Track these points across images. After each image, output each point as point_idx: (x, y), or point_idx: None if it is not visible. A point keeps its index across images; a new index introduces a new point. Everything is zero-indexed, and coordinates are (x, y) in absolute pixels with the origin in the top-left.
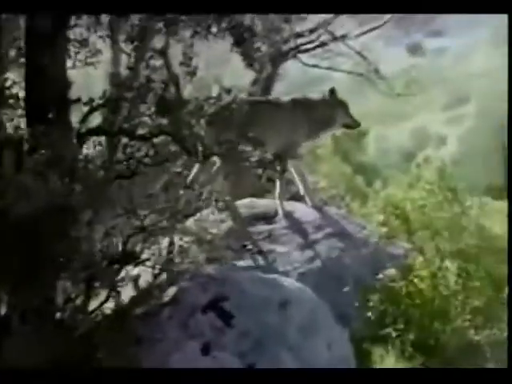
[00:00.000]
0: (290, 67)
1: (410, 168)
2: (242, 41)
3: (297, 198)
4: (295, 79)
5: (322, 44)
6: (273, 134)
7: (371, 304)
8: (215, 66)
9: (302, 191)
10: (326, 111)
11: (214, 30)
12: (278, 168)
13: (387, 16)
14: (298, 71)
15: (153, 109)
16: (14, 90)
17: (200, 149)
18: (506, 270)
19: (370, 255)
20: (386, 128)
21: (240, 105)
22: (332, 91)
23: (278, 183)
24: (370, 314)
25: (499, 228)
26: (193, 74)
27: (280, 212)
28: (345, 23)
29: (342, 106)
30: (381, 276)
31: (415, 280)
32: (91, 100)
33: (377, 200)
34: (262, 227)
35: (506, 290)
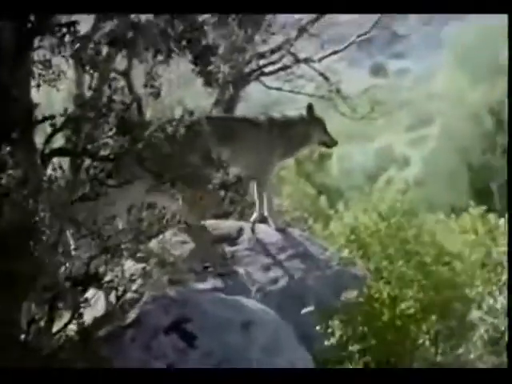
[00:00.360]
0: (253, 89)
1: (372, 189)
2: (201, 59)
3: (260, 219)
4: (257, 101)
5: (285, 67)
6: (249, 153)
7: (334, 325)
8: (178, 87)
9: (266, 212)
10: (302, 129)
11: (175, 49)
12: (256, 188)
13: (351, 38)
14: (260, 93)
15: (115, 130)
16: None
17: (163, 170)
18: (468, 292)
19: (333, 277)
20: (349, 149)
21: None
22: (310, 107)
23: (256, 203)
24: (332, 334)
25: (460, 247)
26: (157, 95)
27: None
28: (307, 45)
29: (319, 123)
30: (343, 297)
31: (376, 301)
32: (53, 116)
33: (339, 222)
34: (225, 249)
35: (506, 292)
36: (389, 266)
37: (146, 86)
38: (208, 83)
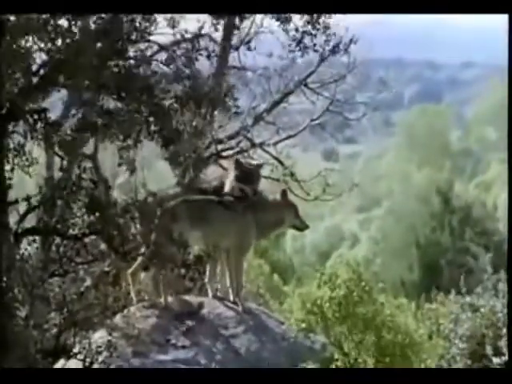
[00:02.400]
0: (212, 172)
1: (324, 266)
2: (170, 144)
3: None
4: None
5: (242, 151)
6: (224, 234)
7: None
8: (141, 170)
9: (228, 284)
10: (275, 212)
11: (144, 133)
12: (227, 267)
13: (304, 124)
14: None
15: (83, 209)
16: None
17: (127, 249)
18: (423, 364)
19: (289, 349)
20: None
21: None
22: (284, 192)
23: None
24: None
25: (412, 323)
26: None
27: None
28: (263, 131)
29: (292, 207)
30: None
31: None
32: (28, 197)
33: (294, 297)
34: (186, 322)
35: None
36: (346, 338)
37: (119, 165)
38: (175, 167)
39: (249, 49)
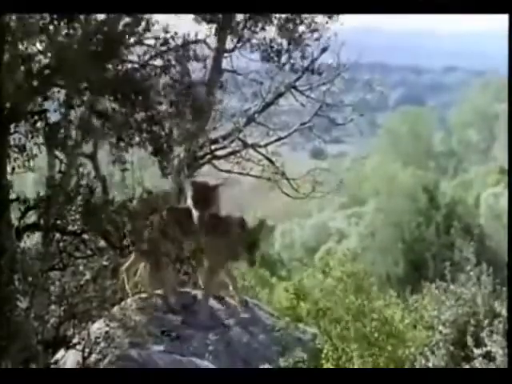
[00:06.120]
0: (206, 171)
1: (313, 260)
2: (160, 151)
3: None
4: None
5: (235, 151)
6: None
7: None
8: (138, 169)
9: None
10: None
11: (136, 139)
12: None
13: (294, 126)
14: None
15: (81, 212)
16: None
17: (125, 244)
18: (407, 351)
19: (278, 339)
20: (290, 225)
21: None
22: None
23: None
24: None
25: (398, 314)
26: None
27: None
28: (255, 132)
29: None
30: (289, 358)
31: (321, 361)
32: (27, 200)
33: (283, 289)
34: (180, 314)
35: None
36: (337, 327)
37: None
38: (165, 174)
39: (241, 53)
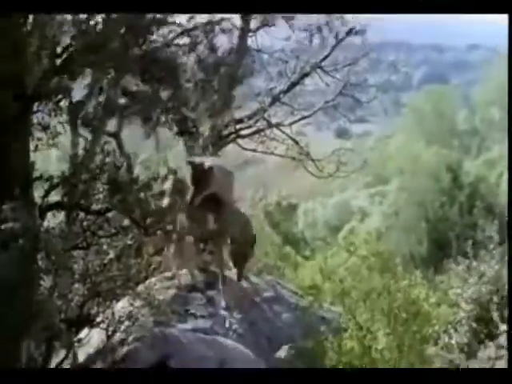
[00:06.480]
0: (231, 150)
1: (337, 239)
2: (185, 132)
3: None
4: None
5: (259, 130)
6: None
7: (303, 363)
8: (163, 148)
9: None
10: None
11: (162, 119)
12: None
13: (318, 105)
14: (235, 153)
15: (106, 187)
16: None
17: (149, 223)
18: (431, 329)
19: (302, 318)
20: (313, 204)
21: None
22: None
23: None
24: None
25: (423, 293)
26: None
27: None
28: (279, 111)
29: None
30: (313, 336)
31: (346, 340)
32: (51, 177)
33: (308, 268)
34: (204, 293)
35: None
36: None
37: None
38: (189, 149)
39: (267, 32)
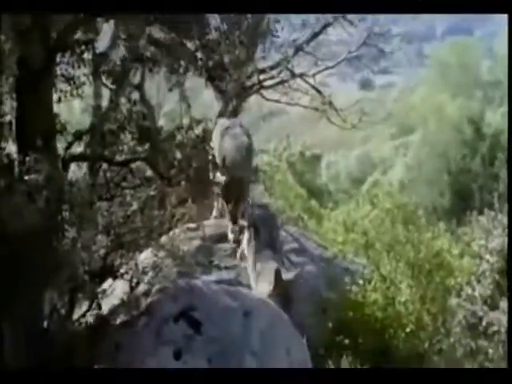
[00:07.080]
0: (254, 101)
1: (360, 191)
2: (215, 77)
3: None
4: (256, 112)
5: (283, 81)
6: None
7: (327, 314)
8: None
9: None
10: None
11: (191, 67)
12: None
13: (342, 56)
14: (259, 104)
15: (131, 136)
16: (7, 119)
17: (172, 174)
18: (453, 281)
19: (326, 270)
20: (336, 155)
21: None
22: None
23: None
24: (325, 322)
25: (445, 244)
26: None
27: None
28: (302, 62)
29: None
30: (336, 288)
31: (369, 291)
32: (78, 131)
33: (331, 220)
34: (227, 245)
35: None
36: (387, 257)
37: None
38: (219, 93)
39: None
